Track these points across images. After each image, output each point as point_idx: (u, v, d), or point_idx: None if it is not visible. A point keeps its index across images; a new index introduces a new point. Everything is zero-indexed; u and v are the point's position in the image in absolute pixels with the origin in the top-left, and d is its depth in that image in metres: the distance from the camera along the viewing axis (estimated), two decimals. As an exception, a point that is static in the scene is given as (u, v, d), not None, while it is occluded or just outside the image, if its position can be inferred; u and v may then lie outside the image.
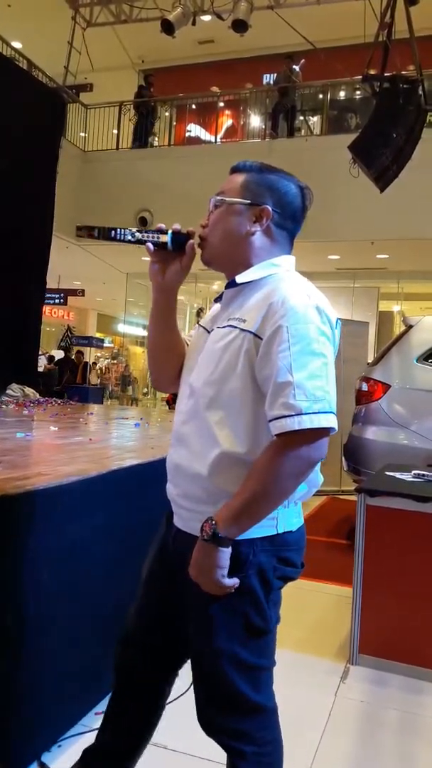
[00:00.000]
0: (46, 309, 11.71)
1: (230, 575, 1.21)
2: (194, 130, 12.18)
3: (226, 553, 1.19)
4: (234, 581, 1.21)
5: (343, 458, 4.81)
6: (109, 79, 12.28)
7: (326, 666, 2.66)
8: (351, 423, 4.80)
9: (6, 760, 1.78)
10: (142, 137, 10.90)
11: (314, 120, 11.09)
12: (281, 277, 1.29)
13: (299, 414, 1.13)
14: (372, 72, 6.07)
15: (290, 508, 1.30)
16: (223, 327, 1.29)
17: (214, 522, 1.18)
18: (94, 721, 2.11)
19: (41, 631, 1.87)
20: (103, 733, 1.55)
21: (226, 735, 1.31)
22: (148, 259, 1.38)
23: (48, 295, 9.12)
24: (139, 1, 9.40)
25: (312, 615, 3.21)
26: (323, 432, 1.16)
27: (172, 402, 10.90)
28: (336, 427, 1.17)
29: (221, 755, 1.38)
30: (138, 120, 10.88)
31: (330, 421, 1.16)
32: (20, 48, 9.60)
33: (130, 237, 1.34)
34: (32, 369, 7.93)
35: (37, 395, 7.12)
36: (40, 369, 8.43)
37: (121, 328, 18.72)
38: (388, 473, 3.17)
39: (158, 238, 1.34)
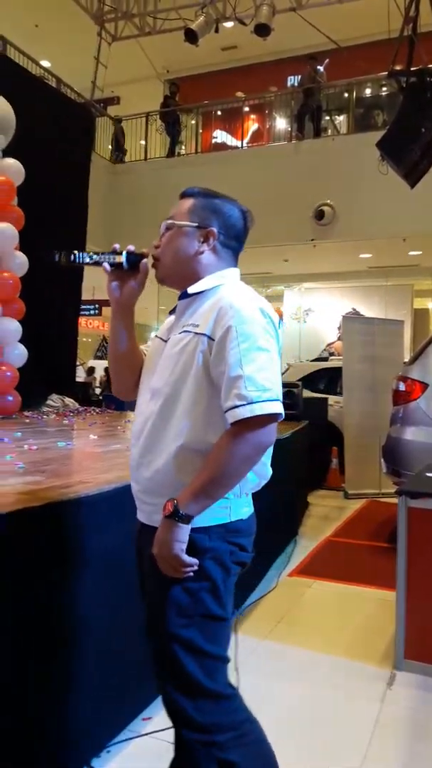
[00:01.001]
0: (82, 320, 11.87)
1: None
2: (220, 136, 12.23)
3: (185, 529, 1.29)
4: (193, 560, 1.31)
5: (382, 460, 4.75)
6: (136, 91, 12.46)
7: (372, 672, 2.63)
8: (389, 424, 4.74)
9: (56, 765, 1.81)
10: (171, 147, 10.99)
11: (340, 119, 11.01)
12: (226, 288, 1.42)
13: (250, 403, 1.27)
14: (398, 67, 6.00)
15: (242, 498, 1.42)
16: (179, 333, 1.42)
17: (175, 501, 1.30)
18: (141, 726, 2.13)
19: (87, 637, 1.91)
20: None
21: (192, 729, 1.34)
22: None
23: (83, 307, 9.27)
24: (162, 12, 9.52)
25: (356, 620, 3.18)
26: (272, 418, 1.29)
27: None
28: (282, 413, 1.31)
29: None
30: (166, 129, 10.98)
31: (277, 408, 1.29)
32: (49, 66, 9.82)
33: (88, 259, 1.47)
34: (71, 379, 8.07)
35: (76, 404, 7.23)
36: (79, 379, 8.56)
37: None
38: (428, 474, 3.13)
39: (114, 258, 1.47)
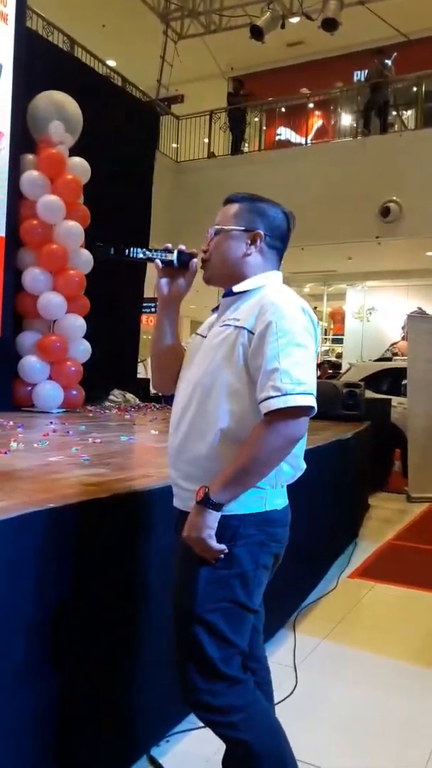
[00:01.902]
0: (144, 317, 12.06)
1: (221, 544, 1.35)
2: (284, 133, 12.14)
3: (215, 515, 1.34)
4: (222, 546, 1.35)
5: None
6: (200, 89, 12.51)
7: (436, 678, 2.56)
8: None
9: (118, 754, 1.85)
10: (234, 144, 10.98)
11: (408, 114, 10.73)
12: (270, 288, 1.47)
13: (284, 394, 1.31)
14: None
15: (277, 489, 1.46)
16: (220, 326, 1.48)
17: (207, 488, 1.34)
18: (200, 719, 2.14)
19: (149, 628, 1.93)
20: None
21: (207, 711, 1.41)
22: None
23: (145, 305, 9.39)
24: (228, 10, 9.52)
25: (418, 624, 3.10)
26: (304, 411, 1.33)
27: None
28: (315, 407, 1.34)
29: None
30: (230, 127, 10.97)
31: (309, 401, 1.33)
32: (115, 66, 9.99)
33: (141, 255, 1.55)
34: (132, 375, 8.21)
35: (137, 400, 7.35)
36: (140, 375, 8.69)
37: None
38: None
39: (165, 256, 1.54)
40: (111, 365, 6.95)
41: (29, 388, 5.48)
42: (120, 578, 1.83)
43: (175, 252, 1.54)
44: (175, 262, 1.54)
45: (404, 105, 10.68)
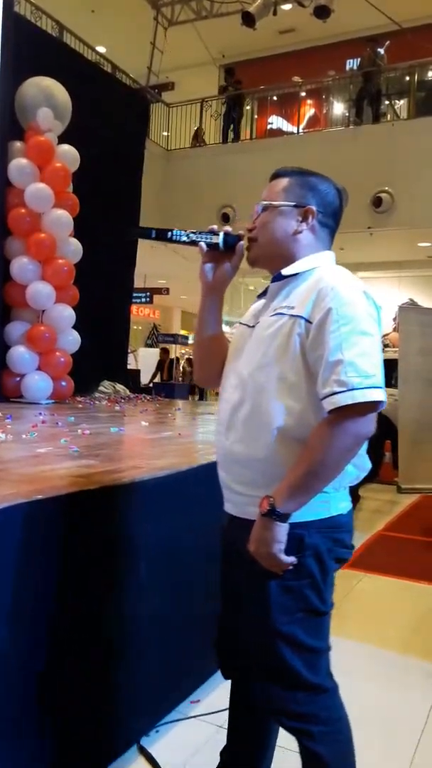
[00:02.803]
0: (133, 308, 12.00)
1: (288, 556, 1.26)
2: (276, 122, 12.07)
3: (283, 528, 1.24)
4: (291, 559, 1.26)
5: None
6: (191, 76, 12.39)
7: (424, 667, 2.57)
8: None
9: (109, 743, 1.85)
10: (229, 132, 10.89)
11: (401, 103, 10.69)
12: (325, 270, 1.35)
13: (351, 389, 1.19)
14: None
15: (340, 491, 1.36)
16: (271, 316, 1.36)
17: (272, 498, 1.24)
18: (189, 708, 2.15)
19: (138, 620, 1.93)
20: (228, 738, 1.60)
21: (289, 717, 1.33)
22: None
23: (135, 295, 9.34)
24: (219, -4, 9.42)
25: (407, 615, 3.12)
26: (373, 406, 1.22)
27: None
28: (385, 401, 1.22)
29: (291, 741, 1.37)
30: (225, 114, 10.87)
31: (380, 395, 1.21)
32: (104, 52, 9.87)
33: (185, 238, 1.44)
34: (122, 366, 8.17)
35: (127, 391, 7.32)
36: (130, 366, 8.67)
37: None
38: None
39: (210, 238, 1.44)
40: (101, 356, 6.92)
41: (18, 378, 5.45)
42: (109, 570, 1.82)
43: (221, 234, 1.44)
44: (221, 244, 1.44)
45: (397, 94, 10.64)
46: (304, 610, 1.30)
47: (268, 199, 1.42)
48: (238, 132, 10.96)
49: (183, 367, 15.32)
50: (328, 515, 1.32)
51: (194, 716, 2.11)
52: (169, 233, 1.43)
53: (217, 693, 2.26)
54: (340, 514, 1.34)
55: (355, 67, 11.01)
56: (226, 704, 2.14)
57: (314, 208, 1.38)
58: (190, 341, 19.86)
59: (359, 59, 10.49)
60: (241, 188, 9.76)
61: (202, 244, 1.43)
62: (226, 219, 9.98)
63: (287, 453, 1.27)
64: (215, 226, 1.45)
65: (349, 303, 1.25)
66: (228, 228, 1.44)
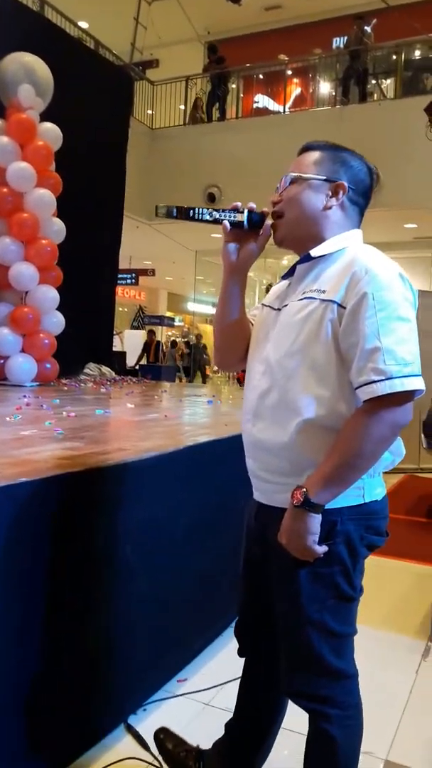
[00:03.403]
0: (119, 289, 11.90)
1: (319, 543, 1.23)
2: (262, 101, 11.94)
3: (317, 519, 1.21)
4: (323, 548, 1.24)
5: (422, 435, 4.68)
6: (175, 53, 12.19)
7: (408, 643, 2.63)
8: (431, 399, 4.65)
9: (97, 721, 1.86)
10: (214, 111, 10.75)
11: (387, 83, 10.61)
12: (356, 250, 1.30)
13: (390, 378, 1.15)
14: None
15: (375, 477, 1.33)
16: (300, 300, 1.30)
17: (304, 489, 1.21)
18: (176, 687, 2.18)
19: (125, 601, 1.94)
20: (236, 714, 1.61)
21: (311, 700, 1.34)
22: (216, 236, 1.41)
23: (120, 276, 9.26)
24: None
25: (392, 592, 3.16)
26: (411, 395, 1.18)
27: (243, 380, 10.90)
28: (423, 389, 1.18)
29: (300, 725, 1.39)
30: (210, 92, 10.71)
31: (419, 384, 1.18)
32: (87, 28, 9.66)
33: (207, 216, 1.37)
34: (108, 348, 8.12)
35: (113, 374, 7.29)
36: (116, 348, 8.62)
37: (191, 306, 18.83)
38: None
39: (234, 216, 1.36)
40: (86, 338, 6.85)
41: (1, 361, 5.39)
42: (96, 551, 1.83)
43: (246, 211, 1.36)
44: (245, 223, 1.36)
45: (383, 73, 10.55)
46: (333, 597, 1.29)
47: (298, 171, 1.35)
48: (224, 111, 10.83)
49: (167, 351, 15.26)
50: (362, 502, 1.29)
51: (181, 694, 2.13)
52: (191, 211, 1.37)
53: (204, 672, 2.29)
54: (374, 500, 1.31)
55: (341, 46, 10.89)
56: (213, 682, 2.19)
57: (346, 183, 1.32)
58: (177, 323, 19.83)
59: (346, 37, 10.37)
60: (227, 168, 9.68)
61: (226, 222, 1.36)
62: (212, 199, 9.90)
63: (316, 441, 1.25)
64: (239, 203, 1.37)
65: (386, 287, 1.20)
66: (252, 204, 1.37)
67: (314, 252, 1.32)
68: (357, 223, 1.38)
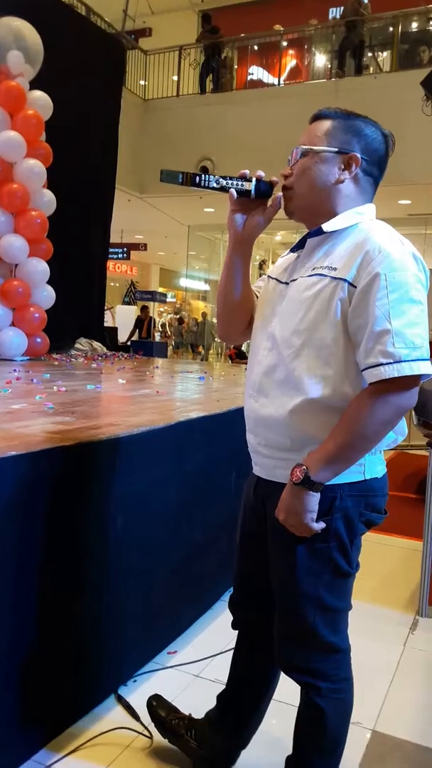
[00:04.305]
0: (110, 264, 11.79)
1: (318, 519, 1.23)
2: (256, 72, 11.72)
3: (315, 497, 1.21)
4: (320, 525, 1.24)
5: (413, 412, 4.69)
6: (168, 22, 11.94)
7: (396, 617, 2.66)
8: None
9: (88, 692, 1.88)
10: (208, 82, 10.54)
11: (384, 55, 10.43)
12: (369, 225, 1.27)
13: (398, 362, 1.14)
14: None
15: (377, 455, 1.32)
16: (310, 276, 1.27)
17: (305, 467, 1.20)
18: (166, 659, 2.19)
19: (116, 574, 1.94)
20: (229, 685, 1.62)
21: (303, 673, 1.35)
22: (209, 210, 1.37)
23: (111, 250, 9.16)
24: None
25: (382, 567, 3.20)
26: (418, 379, 1.17)
27: (234, 357, 10.88)
28: (431, 373, 1.17)
29: (290, 696, 1.40)
30: (204, 62, 10.49)
31: (427, 368, 1.16)
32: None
33: (214, 183, 1.32)
34: (99, 323, 8.07)
35: (105, 349, 7.25)
36: (107, 324, 8.56)
37: (183, 282, 18.69)
38: (461, 426, 3.07)
39: (242, 185, 1.32)
40: (77, 313, 6.81)
41: (-9, 335, 5.34)
42: (87, 525, 1.82)
43: (253, 180, 1.32)
44: (253, 192, 1.32)
45: (380, 46, 10.37)
46: (330, 572, 1.29)
47: (309, 143, 1.30)
48: (218, 82, 10.63)
49: (174, 327, 15.20)
50: (362, 479, 1.28)
51: (171, 666, 2.15)
52: (198, 178, 1.32)
53: (194, 644, 2.31)
54: (374, 477, 1.31)
55: (338, 16, 10.67)
56: (203, 655, 2.21)
57: (359, 155, 1.28)
58: (169, 299, 19.70)
59: (342, 8, 10.17)
60: (221, 140, 9.54)
61: (233, 191, 1.32)
62: (205, 171, 9.75)
63: (318, 419, 1.24)
64: (247, 171, 1.33)
65: (399, 268, 1.17)
66: (260, 172, 1.33)
67: (326, 227, 1.28)
68: (370, 196, 1.34)
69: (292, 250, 1.40)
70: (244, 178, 1.32)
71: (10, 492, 1.54)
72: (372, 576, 3.05)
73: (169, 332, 17.75)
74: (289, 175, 1.33)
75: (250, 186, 1.32)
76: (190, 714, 1.72)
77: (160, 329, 16.94)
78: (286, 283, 1.35)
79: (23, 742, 1.65)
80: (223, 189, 1.32)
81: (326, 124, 1.31)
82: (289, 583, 1.31)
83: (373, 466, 1.31)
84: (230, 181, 1.32)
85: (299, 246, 1.36)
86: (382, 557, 3.32)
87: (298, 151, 1.31)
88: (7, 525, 1.53)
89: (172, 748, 1.69)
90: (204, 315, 15.72)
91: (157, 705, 1.75)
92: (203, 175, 1.32)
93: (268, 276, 1.45)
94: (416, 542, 2.97)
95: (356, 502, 1.28)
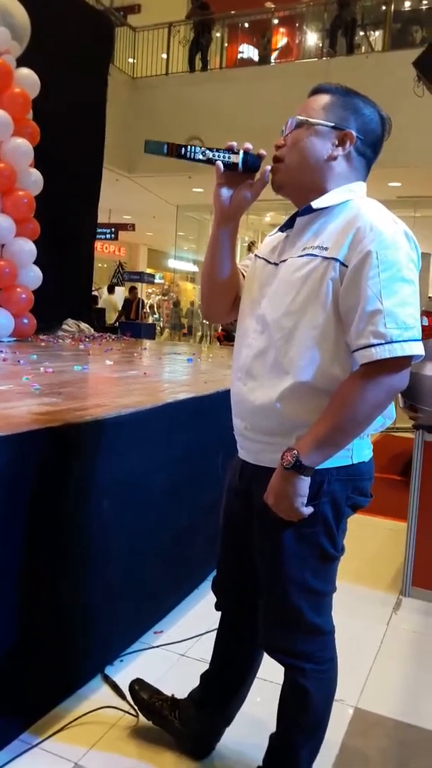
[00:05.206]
0: (98, 244, 11.65)
1: (306, 504, 1.23)
2: (247, 51, 11.56)
3: (306, 481, 1.20)
4: (309, 509, 1.23)
5: (400, 395, 4.72)
6: (158, -2, 11.71)
7: (380, 597, 2.70)
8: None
9: (73, 672, 1.89)
10: (197, 60, 10.38)
11: (376, 35, 10.32)
12: (360, 203, 1.24)
13: (390, 342, 1.12)
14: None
15: (364, 439, 1.31)
16: (300, 256, 1.25)
17: (295, 451, 1.19)
18: (152, 639, 2.21)
19: (103, 555, 1.95)
20: (213, 665, 1.64)
21: (287, 654, 1.36)
22: (198, 190, 1.35)
23: (99, 230, 9.04)
24: None
25: (367, 548, 3.24)
26: (409, 360, 1.15)
27: (223, 339, 10.85)
28: (423, 354, 1.15)
29: (273, 674, 1.42)
30: (193, 40, 10.31)
31: (419, 349, 1.15)
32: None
33: (200, 155, 1.28)
34: (87, 304, 8.01)
35: (92, 330, 7.21)
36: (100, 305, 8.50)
37: (172, 263, 18.57)
38: (447, 409, 3.09)
39: (229, 157, 1.28)
40: (64, 293, 6.74)
41: (-22, 315, 5.29)
42: (73, 506, 1.82)
43: (241, 152, 1.28)
44: (240, 165, 1.28)
45: (372, 24, 10.26)
46: (315, 556, 1.29)
47: (305, 114, 1.28)
48: (206, 60, 10.47)
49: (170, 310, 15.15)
50: (350, 463, 1.28)
51: (157, 646, 2.17)
52: (183, 149, 1.28)
53: (180, 624, 2.33)
54: (362, 461, 1.30)
55: (330, -6, 10.52)
56: (189, 634, 2.23)
57: (354, 133, 1.25)
58: (157, 280, 19.57)
59: (334, -15, 10.03)
60: (210, 119, 9.41)
61: (219, 163, 1.27)
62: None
63: (306, 402, 1.22)
64: (234, 143, 1.28)
65: (391, 246, 1.15)
66: (248, 145, 1.29)
67: (315, 204, 1.25)
68: (363, 176, 1.32)
69: (281, 230, 1.37)
70: (232, 151, 1.28)
71: (-4, 473, 1.53)
72: (356, 556, 3.09)
73: (164, 314, 17.69)
74: (281, 146, 1.30)
75: (238, 159, 1.28)
76: (173, 695, 1.73)
77: (148, 310, 16.85)
78: (276, 264, 1.32)
79: (7, 724, 1.66)
80: (210, 161, 1.28)
81: (325, 98, 1.29)
82: (275, 567, 1.31)
83: (360, 450, 1.30)
84: (217, 153, 1.28)
85: (288, 225, 1.33)
86: (366, 538, 3.35)
87: (293, 121, 1.29)
88: (-7, 506, 1.53)
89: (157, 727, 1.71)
90: (193, 303, 15.69)
91: (139, 689, 1.76)
92: (189, 146, 1.28)
93: (256, 255, 1.42)
94: (401, 523, 3.01)
95: (344, 486, 1.28)
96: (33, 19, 5.40)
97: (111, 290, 13.70)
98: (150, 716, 1.72)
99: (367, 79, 8.58)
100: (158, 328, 15.73)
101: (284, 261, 1.30)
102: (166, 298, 18.31)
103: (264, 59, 10.55)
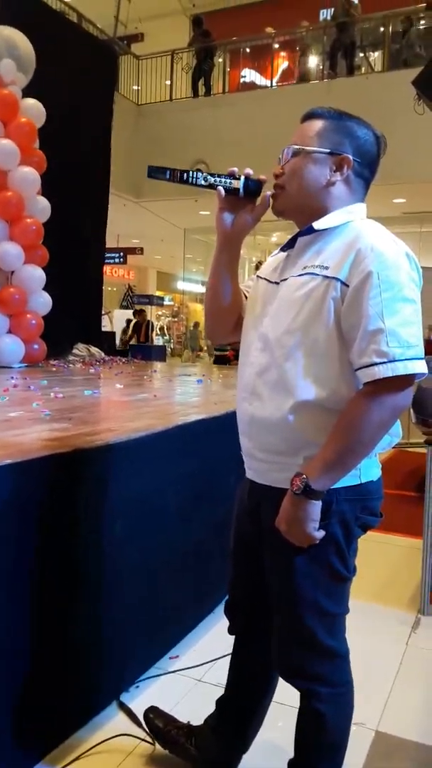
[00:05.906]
0: (107, 269, 11.78)
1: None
2: (249, 75, 11.74)
3: (317, 505, 1.20)
4: (321, 533, 1.22)
5: (411, 410, 4.69)
6: (160, 27, 11.97)
7: (398, 616, 2.66)
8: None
9: (88, 700, 1.87)
10: (201, 86, 10.54)
11: (375, 55, 10.45)
12: (361, 224, 1.26)
13: (392, 361, 1.13)
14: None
15: (372, 458, 1.31)
16: (301, 275, 1.26)
17: (304, 476, 1.18)
18: (168, 664, 2.19)
19: (117, 579, 1.94)
20: (228, 690, 1.61)
21: (302, 678, 1.35)
22: (205, 213, 1.38)
23: (108, 255, 9.13)
24: None
25: (383, 566, 3.19)
26: (412, 379, 1.16)
27: (233, 359, 10.87)
28: (426, 372, 1.15)
29: (291, 698, 1.40)
30: (196, 66, 10.49)
31: (422, 367, 1.15)
32: (69, 0, 9.43)
33: (202, 181, 1.31)
34: (96, 328, 8.06)
35: (102, 354, 7.25)
36: (105, 328, 8.55)
37: (180, 285, 18.70)
38: (459, 424, 3.07)
39: (230, 183, 1.31)
40: (74, 318, 6.79)
41: (-11, 342, 5.34)
42: (85, 531, 1.82)
43: (242, 178, 1.31)
44: (241, 190, 1.31)
45: (371, 46, 10.39)
46: (327, 577, 1.28)
47: (300, 143, 1.29)
48: (210, 85, 10.64)
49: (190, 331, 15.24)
50: (358, 482, 1.27)
51: (174, 671, 2.15)
52: (185, 175, 1.31)
53: (196, 648, 2.31)
54: (370, 480, 1.30)
55: (329, 18, 10.69)
56: (205, 659, 2.20)
57: (350, 157, 1.27)
58: (167, 302, 19.69)
59: (333, 9, 10.19)
60: (214, 143, 9.53)
61: (221, 188, 1.30)
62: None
63: (314, 421, 1.22)
64: (236, 169, 1.32)
65: (392, 266, 1.16)
66: (249, 170, 1.31)
67: (317, 225, 1.27)
68: (362, 197, 1.34)
69: (282, 249, 1.38)
70: (233, 176, 1.31)
71: (6, 500, 1.53)
72: (373, 575, 3.05)
73: (174, 336, 17.77)
74: (280, 174, 1.32)
75: (239, 184, 1.31)
76: (188, 722, 1.71)
77: (158, 332, 16.94)
78: (277, 283, 1.33)
79: (22, 754, 1.64)
80: (211, 186, 1.31)
81: (318, 124, 1.30)
82: (287, 588, 1.30)
83: (368, 469, 1.29)
84: (218, 179, 1.31)
85: (289, 245, 1.35)
86: (382, 556, 3.31)
87: (290, 150, 1.31)
88: (3, 533, 1.53)
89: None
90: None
91: (154, 717, 1.74)
92: (191, 172, 1.31)
93: (258, 276, 1.43)
94: (416, 540, 2.97)
95: (352, 506, 1.27)
96: (38, 51, 5.53)
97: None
98: (166, 745, 1.70)
99: (368, 99, 8.70)
100: (168, 349, 15.79)
101: (285, 280, 1.31)
102: (176, 319, 18.40)
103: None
